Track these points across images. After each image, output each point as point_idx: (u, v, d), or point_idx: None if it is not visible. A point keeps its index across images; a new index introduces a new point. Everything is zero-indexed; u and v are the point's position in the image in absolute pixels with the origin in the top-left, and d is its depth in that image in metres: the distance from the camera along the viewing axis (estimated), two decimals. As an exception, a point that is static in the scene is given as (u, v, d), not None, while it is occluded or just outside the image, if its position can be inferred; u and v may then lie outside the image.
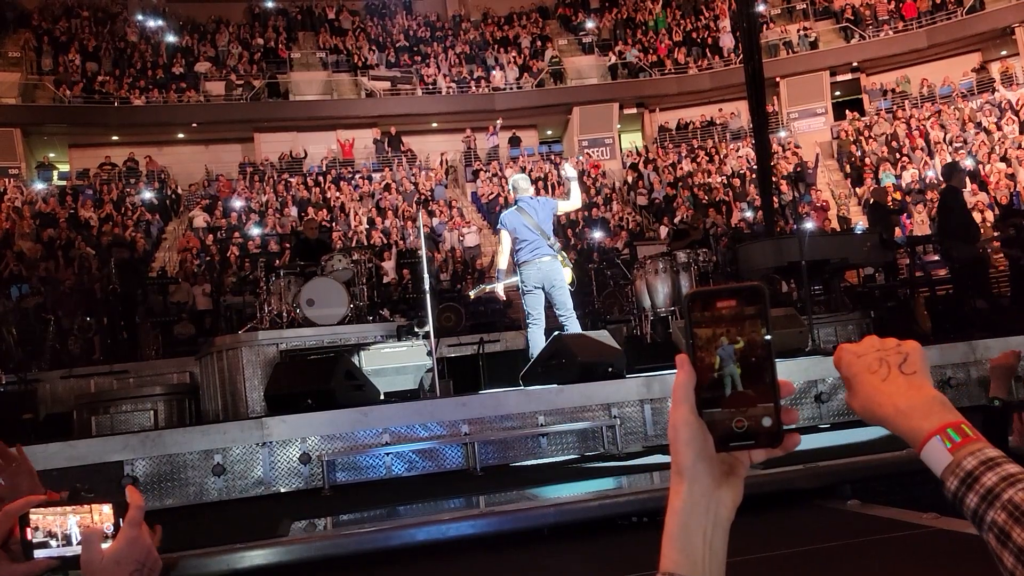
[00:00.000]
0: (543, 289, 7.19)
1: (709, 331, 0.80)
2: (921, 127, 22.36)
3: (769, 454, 0.81)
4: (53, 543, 1.18)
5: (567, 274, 7.30)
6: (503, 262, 7.46)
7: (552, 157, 25.00)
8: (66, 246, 17.16)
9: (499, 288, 7.66)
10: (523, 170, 22.14)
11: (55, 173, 22.42)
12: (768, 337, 0.80)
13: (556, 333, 6.98)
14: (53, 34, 24.70)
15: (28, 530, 1.19)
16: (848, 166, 22.54)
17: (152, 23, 25.92)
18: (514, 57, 26.43)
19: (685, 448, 0.80)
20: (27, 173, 22.28)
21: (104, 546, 1.15)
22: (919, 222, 18.26)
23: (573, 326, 7.19)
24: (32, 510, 1.19)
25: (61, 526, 1.19)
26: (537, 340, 7.14)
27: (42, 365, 11.17)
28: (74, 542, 1.19)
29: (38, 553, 1.19)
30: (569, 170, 8.11)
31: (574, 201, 7.81)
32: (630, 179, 23.26)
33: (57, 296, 13.38)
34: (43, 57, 23.91)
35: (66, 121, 23.06)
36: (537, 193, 7.76)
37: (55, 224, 18.39)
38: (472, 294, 8.15)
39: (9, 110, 22.66)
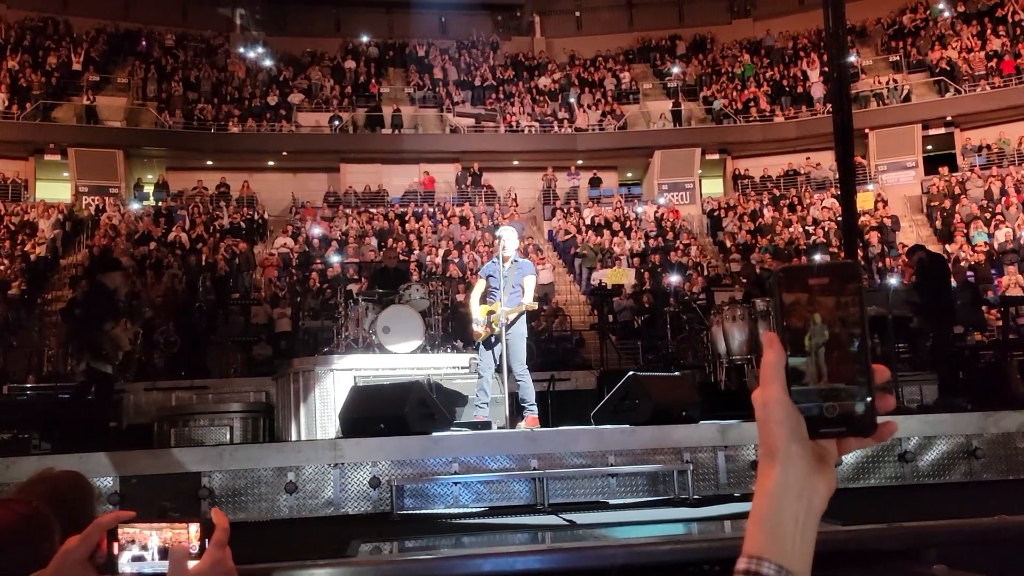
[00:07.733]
0: None
1: (801, 310, 0.75)
2: (1018, 185, 21.56)
3: (860, 444, 0.78)
4: (147, 556, 1.20)
5: None
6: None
7: (631, 200, 24.98)
8: (156, 264, 17.86)
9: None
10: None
11: (151, 193, 23.44)
12: (864, 318, 0.74)
13: (631, 372, 6.90)
14: (160, 63, 26.03)
15: (115, 544, 1.20)
16: (939, 222, 21.85)
17: (251, 55, 27.05)
18: (599, 100, 26.60)
19: (778, 427, 0.76)
20: (126, 193, 23.38)
21: (189, 565, 1.17)
22: (1012, 284, 17.51)
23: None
24: (123, 525, 1.21)
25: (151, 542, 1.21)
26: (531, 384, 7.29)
27: (128, 377, 11.58)
28: (156, 558, 1.20)
29: (134, 567, 1.20)
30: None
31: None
32: (719, 234, 22.97)
33: (146, 311, 13.88)
34: (148, 84, 25.18)
35: (165, 145, 24.18)
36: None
37: (149, 242, 19.18)
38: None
39: (114, 132, 23.90)
